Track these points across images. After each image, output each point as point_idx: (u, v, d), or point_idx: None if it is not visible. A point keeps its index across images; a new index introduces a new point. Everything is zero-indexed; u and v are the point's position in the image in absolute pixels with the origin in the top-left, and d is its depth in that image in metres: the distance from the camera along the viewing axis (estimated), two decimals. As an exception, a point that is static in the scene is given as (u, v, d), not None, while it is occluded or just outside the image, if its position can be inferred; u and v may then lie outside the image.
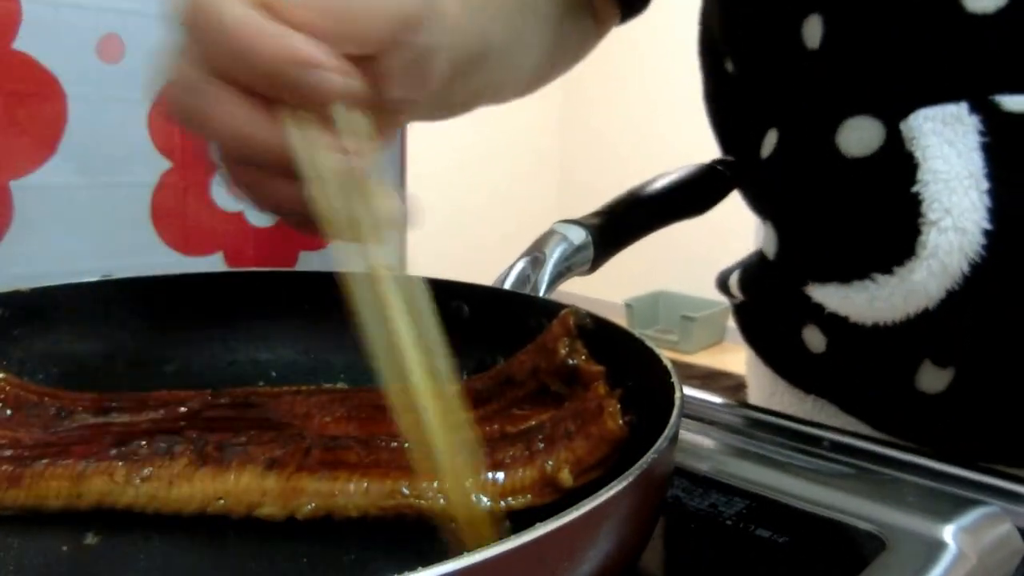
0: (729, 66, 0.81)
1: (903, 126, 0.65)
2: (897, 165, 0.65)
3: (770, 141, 0.77)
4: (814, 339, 0.78)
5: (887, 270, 0.67)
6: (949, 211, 0.63)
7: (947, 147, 0.63)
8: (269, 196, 0.50)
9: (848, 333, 0.73)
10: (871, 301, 0.69)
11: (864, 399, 0.79)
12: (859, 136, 0.68)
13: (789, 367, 0.86)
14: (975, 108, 0.63)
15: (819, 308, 0.74)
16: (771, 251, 0.77)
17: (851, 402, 0.80)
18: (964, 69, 0.64)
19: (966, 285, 0.64)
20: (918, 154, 0.64)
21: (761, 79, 0.79)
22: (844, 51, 0.70)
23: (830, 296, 0.72)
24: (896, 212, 0.66)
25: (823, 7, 0.70)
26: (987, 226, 0.62)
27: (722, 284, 0.90)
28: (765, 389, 0.91)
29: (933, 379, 0.71)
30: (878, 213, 0.68)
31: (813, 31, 0.71)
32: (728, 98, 0.85)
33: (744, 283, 0.85)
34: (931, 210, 0.63)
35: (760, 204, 0.81)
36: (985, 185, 0.62)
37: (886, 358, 0.73)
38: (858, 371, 0.76)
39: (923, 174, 0.64)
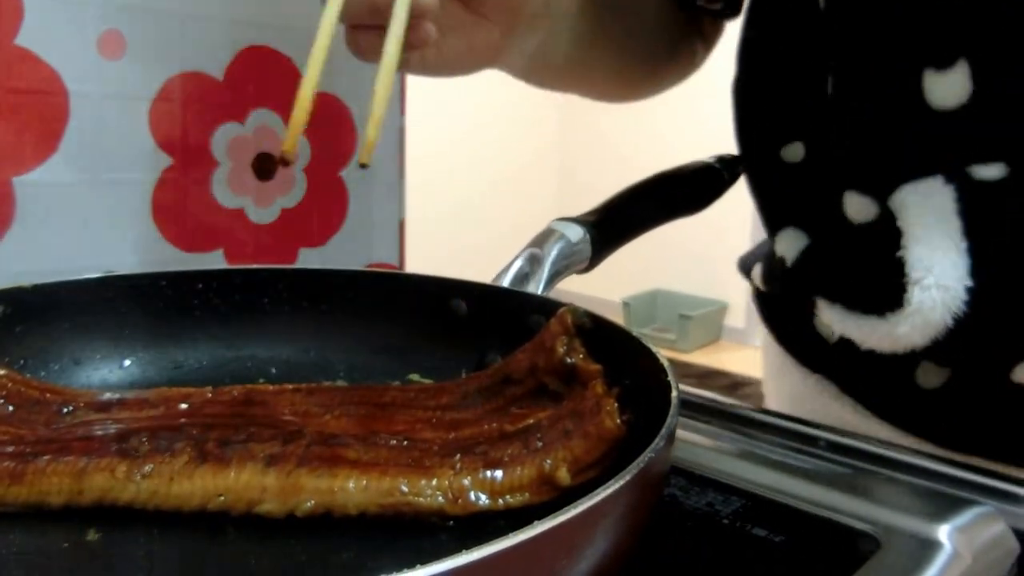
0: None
1: (890, 202, 0.70)
2: (888, 233, 0.70)
3: (796, 152, 0.81)
4: (828, 328, 0.81)
5: (879, 314, 0.72)
6: (930, 269, 0.68)
7: (928, 215, 0.68)
8: None
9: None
10: (864, 336, 0.74)
11: (865, 387, 0.82)
12: (858, 208, 0.73)
13: (798, 347, 0.89)
14: (949, 179, 0.68)
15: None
16: (790, 258, 0.80)
17: (852, 388, 0.84)
18: (936, 152, 0.69)
19: (950, 335, 0.68)
20: (902, 224, 0.69)
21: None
22: (836, 135, 0.76)
23: (833, 317, 0.76)
24: (885, 273, 0.70)
25: (803, 136, 0.77)
26: (968, 283, 0.67)
27: (745, 270, 0.92)
28: (775, 364, 0.95)
29: (931, 376, 0.76)
30: (871, 272, 0.73)
31: (796, 151, 0.79)
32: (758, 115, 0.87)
33: (766, 279, 0.88)
34: (914, 269, 0.68)
35: (784, 207, 0.84)
36: (964, 244, 0.67)
37: (888, 355, 0.76)
38: (863, 362, 0.78)
39: (907, 239, 0.69)
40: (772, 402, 0.98)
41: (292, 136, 0.60)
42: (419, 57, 0.67)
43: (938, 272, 0.67)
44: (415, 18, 0.62)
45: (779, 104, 0.82)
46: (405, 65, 0.65)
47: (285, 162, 0.60)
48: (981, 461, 0.68)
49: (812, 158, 0.78)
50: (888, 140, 0.72)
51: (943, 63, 0.66)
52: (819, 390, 0.86)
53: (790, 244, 0.80)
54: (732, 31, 0.87)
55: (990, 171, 0.67)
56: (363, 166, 0.62)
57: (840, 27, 0.73)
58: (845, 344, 0.78)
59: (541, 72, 0.87)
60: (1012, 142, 0.66)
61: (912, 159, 0.70)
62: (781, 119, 0.81)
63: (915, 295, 0.68)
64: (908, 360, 0.75)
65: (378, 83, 0.64)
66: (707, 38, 0.99)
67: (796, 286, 0.81)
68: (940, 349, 0.70)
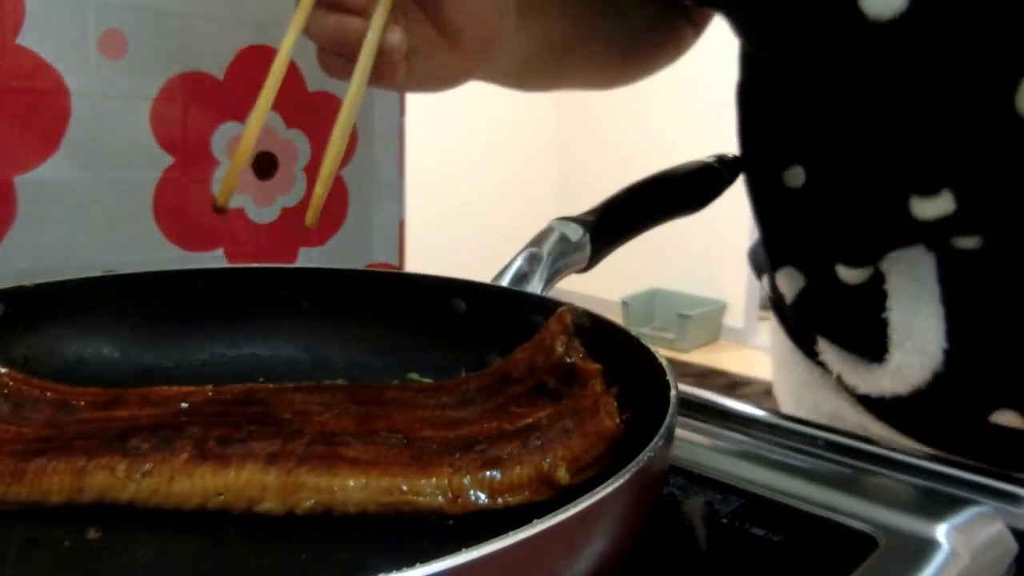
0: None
1: (880, 265, 0.74)
2: (874, 294, 0.74)
3: (797, 178, 0.81)
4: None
5: (866, 361, 0.78)
6: (909, 335, 0.73)
7: (911, 280, 0.72)
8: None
9: None
10: (853, 375, 0.79)
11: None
12: (849, 274, 0.76)
13: (808, 348, 0.90)
14: (931, 247, 0.72)
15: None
16: (789, 296, 0.84)
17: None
18: (920, 231, 0.72)
19: (930, 387, 0.73)
20: (887, 287, 0.73)
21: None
22: (823, 205, 0.79)
23: (832, 357, 0.81)
24: (872, 330, 0.75)
25: (804, 160, 0.79)
26: (945, 345, 0.72)
27: (755, 264, 0.93)
28: (783, 354, 0.97)
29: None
30: (860, 327, 0.78)
31: (797, 176, 0.80)
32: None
33: (770, 299, 0.91)
34: (895, 332, 0.74)
35: (784, 243, 0.86)
36: (942, 311, 0.71)
37: None
38: None
39: (890, 302, 0.73)
40: (780, 390, 1.01)
41: (227, 187, 0.59)
42: (388, 81, 0.66)
43: (916, 338, 0.72)
44: (383, 54, 0.62)
45: (782, 120, 0.82)
46: (373, 83, 0.64)
47: (220, 211, 0.59)
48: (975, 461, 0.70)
49: (812, 184, 0.78)
50: (874, 224, 0.75)
51: (927, 192, 0.69)
52: (822, 383, 0.88)
53: (789, 283, 0.83)
54: (724, 36, 0.87)
55: (968, 242, 0.69)
56: (309, 228, 0.61)
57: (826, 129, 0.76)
58: None
59: (520, 79, 0.88)
60: (989, 222, 0.69)
61: (895, 236, 0.73)
62: (784, 137, 0.81)
63: (895, 357, 0.74)
64: None
65: (332, 142, 0.63)
66: (696, 22, 0.99)
67: (798, 322, 0.85)
68: (922, 395, 0.74)
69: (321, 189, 0.60)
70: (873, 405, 0.81)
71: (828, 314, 0.81)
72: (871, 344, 0.76)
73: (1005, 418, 0.73)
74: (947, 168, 0.68)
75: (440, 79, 0.70)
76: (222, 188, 0.58)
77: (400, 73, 0.64)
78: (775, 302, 0.93)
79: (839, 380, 0.82)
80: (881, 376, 0.75)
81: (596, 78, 1.00)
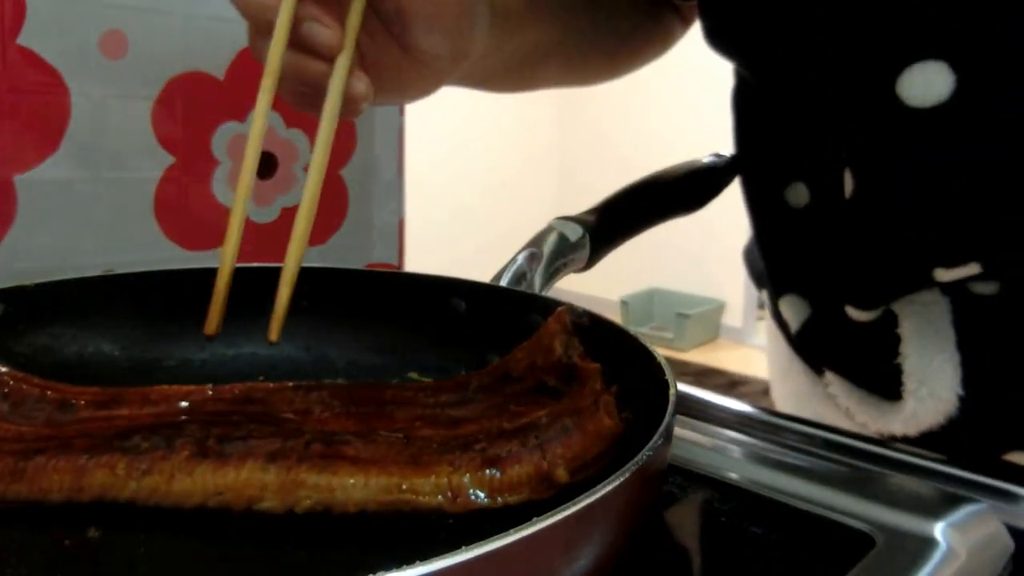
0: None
1: (894, 307, 0.73)
2: (887, 336, 0.73)
3: (800, 195, 0.80)
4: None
5: (878, 401, 0.77)
6: (924, 382, 0.72)
7: (926, 325, 0.71)
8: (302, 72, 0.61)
9: None
10: (864, 411, 0.78)
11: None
12: (858, 314, 0.75)
13: (808, 352, 0.89)
14: (945, 291, 0.70)
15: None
16: (794, 325, 0.83)
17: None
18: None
19: (942, 431, 0.73)
20: (901, 331, 0.72)
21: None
22: (829, 232, 0.77)
23: (841, 390, 0.80)
24: (885, 371, 0.74)
25: (806, 177, 0.78)
26: (960, 392, 0.71)
27: (750, 264, 0.93)
28: (782, 365, 0.95)
29: None
30: (871, 367, 0.77)
31: (800, 195, 0.79)
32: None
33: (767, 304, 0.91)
34: (909, 379, 0.73)
35: (787, 269, 0.85)
36: (957, 357, 0.71)
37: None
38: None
39: (905, 347, 0.72)
40: (778, 399, 0.99)
41: (216, 315, 0.60)
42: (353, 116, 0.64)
43: (931, 384, 0.72)
44: (349, 101, 0.61)
45: (781, 134, 0.81)
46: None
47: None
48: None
49: (817, 206, 0.77)
50: (888, 275, 0.73)
51: (953, 263, 0.67)
52: (826, 394, 0.86)
53: (794, 312, 0.82)
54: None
55: (985, 287, 0.69)
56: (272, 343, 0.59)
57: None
58: None
59: (492, 84, 0.85)
60: (1007, 268, 0.68)
61: (911, 286, 0.72)
62: (784, 151, 0.81)
63: (909, 404, 0.73)
64: None
65: (307, 190, 0.62)
66: (684, 15, 0.98)
67: (803, 351, 0.84)
68: (935, 437, 0.73)
69: (286, 292, 0.60)
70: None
71: (837, 349, 0.80)
72: (883, 385, 0.75)
73: (1019, 459, 0.72)
74: (977, 241, 0.67)
75: (407, 93, 0.69)
76: (212, 317, 0.59)
77: (362, 110, 0.63)
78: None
79: (847, 413, 0.81)
80: (892, 420, 0.75)
81: (575, 77, 0.99)
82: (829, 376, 0.81)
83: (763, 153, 0.83)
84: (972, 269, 0.66)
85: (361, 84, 0.60)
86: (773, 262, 0.85)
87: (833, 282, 0.77)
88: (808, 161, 0.77)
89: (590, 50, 0.93)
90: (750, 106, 0.83)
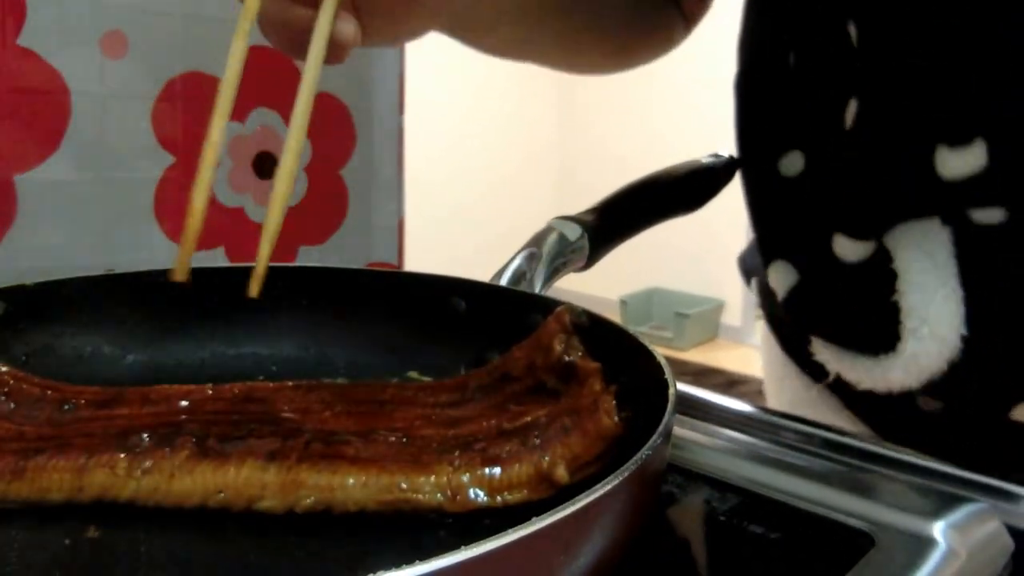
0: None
1: (886, 239, 0.69)
2: (882, 275, 0.69)
3: (794, 164, 0.78)
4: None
5: (872, 355, 0.72)
6: (926, 320, 0.67)
7: (924, 258, 0.68)
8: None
9: None
10: (856, 373, 0.74)
11: (867, 407, 0.82)
12: (850, 249, 0.71)
13: (803, 359, 0.87)
14: (947, 221, 0.67)
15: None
16: (781, 292, 0.79)
17: (854, 405, 0.83)
18: (937, 198, 0.67)
19: (944, 378, 0.68)
20: (897, 266, 0.69)
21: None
22: (825, 184, 0.74)
23: (828, 356, 0.76)
24: (880, 316, 0.70)
25: (803, 145, 0.76)
26: (963, 332, 0.67)
27: (745, 271, 0.92)
28: (776, 371, 0.94)
29: (930, 403, 0.75)
30: (864, 315, 0.73)
31: (794, 164, 0.76)
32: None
33: (762, 301, 0.89)
34: (909, 318, 0.68)
35: (777, 236, 0.82)
36: (960, 293, 0.67)
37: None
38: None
39: (902, 284, 0.68)
40: (772, 405, 0.97)
41: (184, 257, 0.57)
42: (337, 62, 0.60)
43: (933, 322, 0.67)
44: (335, 46, 0.57)
45: (781, 105, 0.80)
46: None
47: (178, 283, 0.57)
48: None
49: (810, 173, 0.76)
50: (888, 185, 0.70)
51: (959, 141, 0.65)
52: (820, 400, 0.85)
53: (781, 279, 0.79)
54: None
55: (989, 215, 0.65)
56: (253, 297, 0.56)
57: (865, 72, 0.71)
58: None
59: (483, 40, 0.81)
60: (1014, 187, 0.65)
61: (911, 201, 0.69)
62: (782, 123, 0.79)
63: (910, 345, 0.69)
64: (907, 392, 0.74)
65: (276, 187, 0.58)
66: (688, 16, 0.96)
67: (790, 320, 0.81)
68: (936, 388, 0.70)
69: (267, 250, 0.57)
70: (876, 421, 0.80)
71: (823, 308, 0.76)
72: (875, 335, 0.71)
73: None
74: (983, 115, 0.64)
75: (398, 33, 0.65)
76: (180, 260, 0.57)
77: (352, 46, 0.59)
78: (768, 310, 0.93)
79: (837, 384, 0.79)
80: (891, 367, 0.70)
81: (564, 56, 0.97)
82: (816, 345, 0.77)
83: (762, 130, 0.82)
84: (978, 156, 0.63)
85: (349, 27, 0.57)
86: (764, 231, 0.83)
87: (825, 226, 0.73)
88: (811, 129, 0.76)
89: (584, 31, 0.90)
90: (754, 83, 0.82)
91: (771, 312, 0.93)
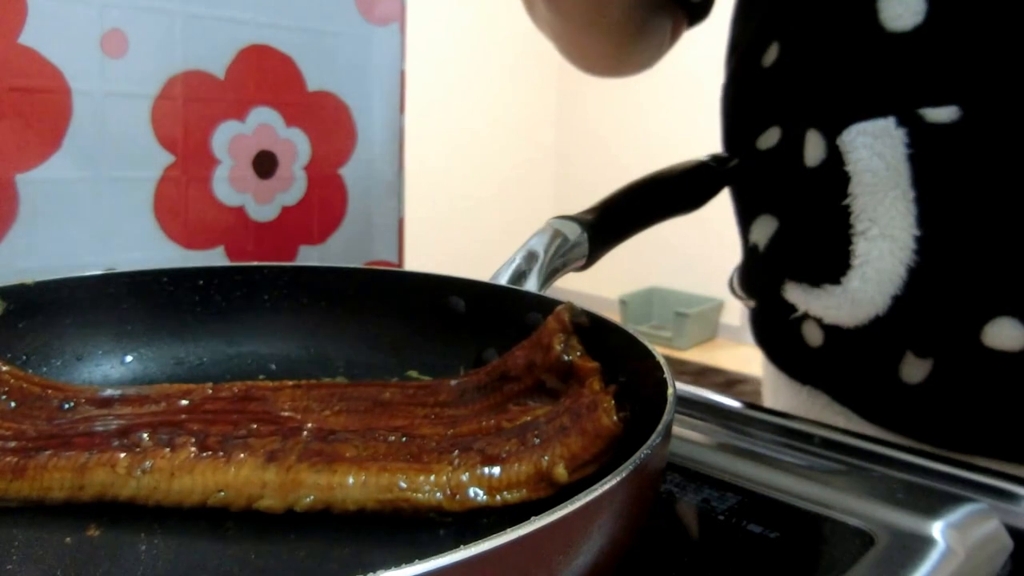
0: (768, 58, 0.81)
1: (839, 141, 0.69)
2: (834, 178, 0.69)
3: (771, 138, 0.80)
4: (812, 333, 0.82)
5: (834, 280, 0.71)
6: (875, 220, 0.67)
7: (876, 159, 0.67)
8: None
9: (841, 328, 0.74)
10: (826, 308, 0.73)
11: (853, 390, 0.82)
12: (813, 147, 0.72)
13: (788, 360, 0.89)
14: (902, 121, 0.66)
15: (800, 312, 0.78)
16: (762, 243, 0.80)
17: (841, 392, 0.83)
18: (889, 84, 0.68)
19: (908, 290, 0.67)
20: (849, 168, 0.68)
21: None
22: (792, 69, 0.75)
23: (799, 297, 0.76)
24: (832, 224, 0.70)
25: (781, 35, 0.76)
26: (916, 232, 0.66)
27: (731, 287, 0.92)
28: (770, 383, 0.95)
29: (914, 370, 0.74)
30: (821, 225, 0.73)
31: (771, 55, 0.77)
32: (744, 96, 0.86)
33: (743, 282, 0.88)
34: (859, 220, 0.68)
35: (758, 194, 0.83)
36: (912, 193, 0.66)
37: (873, 350, 0.76)
38: (849, 363, 0.79)
39: (853, 187, 0.68)
40: None
41: None
42: None
43: (883, 223, 0.67)
44: None
45: (759, 97, 0.82)
46: None
47: None
48: (972, 458, 0.69)
49: (785, 139, 0.77)
50: (839, 67, 0.71)
51: None
52: (811, 401, 0.86)
53: (763, 230, 0.80)
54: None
55: (943, 114, 0.65)
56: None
57: None
58: (829, 348, 0.79)
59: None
60: (966, 80, 0.65)
61: (864, 91, 0.69)
62: (760, 111, 0.81)
63: (860, 246, 0.68)
64: (890, 354, 0.75)
65: None
66: (673, 33, 0.99)
67: (768, 271, 0.80)
68: (902, 310, 0.69)
69: None
70: (862, 404, 0.80)
71: (797, 242, 0.76)
72: (836, 249, 0.71)
73: (1003, 334, 0.66)
74: None
75: None
76: None
77: None
78: (757, 323, 0.93)
79: (827, 349, 0.80)
80: (850, 280, 0.70)
81: (563, 36, 0.98)
82: (789, 289, 0.77)
83: (742, 117, 0.84)
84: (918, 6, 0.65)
85: None
86: (745, 196, 0.85)
87: (801, 113, 0.74)
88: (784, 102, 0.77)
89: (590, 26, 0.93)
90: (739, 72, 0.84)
91: (756, 324, 0.94)
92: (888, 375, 0.76)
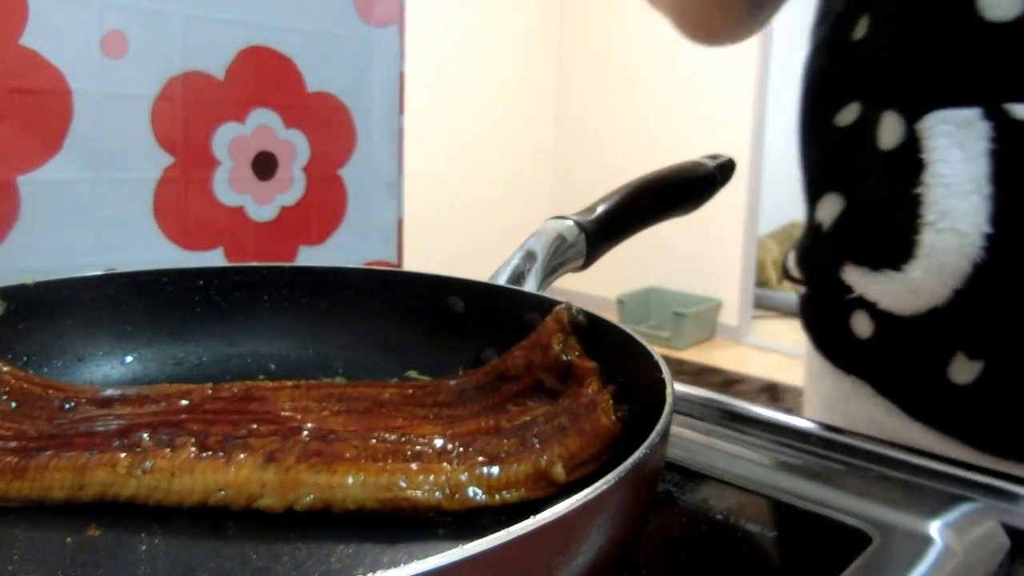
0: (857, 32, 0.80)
1: (917, 126, 0.67)
2: (908, 164, 0.67)
3: (849, 115, 0.78)
4: (862, 324, 0.80)
5: (896, 267, 0.70)
6: (946, 214, 0.65)
7: (955, 150, 0.65)
8: None
9: (892, 320, 0.74)
10: (883, 293, 0.72)
11: (899, 384, 0.80)
12: (889, 130, 0.70)
13: (835, 349, 0.87)
14: (987, 115, 0.64)
15: (854, 296, 0.76)
16: (828, 222, 0.79)
17: (886, 386, 0.81)
18: (979, 75, 0.66)
19: (971, 285, 0.65)
20: (925, 156, 0.66)
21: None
22: (880, 46, 0.73)
23: (857, 279, 0.74)
24: (901, 210, 0.68)
25: (873, 9, 0.74)
26: (987, 229, 0.64)
27: (784, 269, 0.91)
28: (813, 368, 0.93)
29: (963, 371, 0.72)
30: (888, 210, 0.71)
31: (861, 28, 0.75)
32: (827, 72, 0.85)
33: (799, 260, 0.87)
34: (929, 211, 0.66)
35: (829, 171, 0.82)
36: (988, 190, 0.64)
37: (923, 346, 0.74)
38: (897, 357, 0.78)
39: (927, 176, 0.66)
40: (809, 405, 0.96)
41: None
42: None
43: (954, 216, 0.65)
44: None
45: (843, 71, 0.79)
46: None
47: None
48: (1016, 466, 0.68)
49: (863, 117, 0.75)
50: (929, 51, 0.68)
51: None
52: (854, 391, 0.84)
53: (829, 209, 0.78)
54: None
55: None
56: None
57: None
58: (878, 340, 0.77)
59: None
60: None
61: (952, 78, 0.67)
62: (842, 85, 0.79)
63: (927, 237, 0.66)
64: (940, 353, 0.73)
65: None
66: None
67: (829, 251, 0.79)
68: (962, 305, 0.67)
69: None
70: (907, 400, 0.79)
71: (861, 224, 0.75)
72: (901, 235, 0.69)
73: None
74: None
75: None
76: None
77: None
78: (806, 308, 0.92)
79: (876, 342, 0.78)
80: (913, 269, 0.68)
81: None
82: (849, 271, 0.75)
83: (823, 92, 0.82)
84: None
85: None
86: (816, 171, 0.83)
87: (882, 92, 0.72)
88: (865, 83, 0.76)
89: None
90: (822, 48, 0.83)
91: (805, 310, 0.92)
92: (936, 373, 0.74)
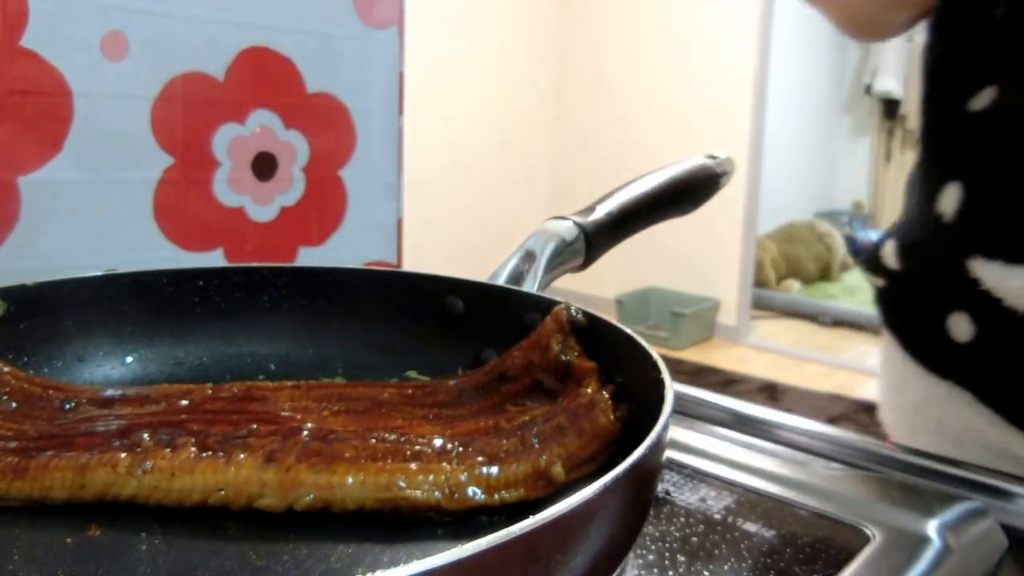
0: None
1: None
2: None
3: (985, 97, 0.77)
4: (960, 327, 0.77)
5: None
6: None
7: None
8: None
9: (999, 322, 0.72)
10: (1021, 288, 0.70)
11: (1005, 392, 0.78)
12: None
13: (928, 352, 0.85)
14: None
15: (972, 292, 0.75)
16: (950, 212, 0.77)
17: (990, 394, 0.79)
18: None
19: None
20: None
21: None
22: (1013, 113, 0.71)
23: (990, 273, 0.73)
24: None
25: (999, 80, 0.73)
26: None
27: (872, 260, 0.89)
28: (896, 374, 0.90)
29: None
30: None
31: (984, 98, 0.74)
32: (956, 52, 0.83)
33: (905, 250, 0.85)
34: None
35: (955, 160, 0.80)
36: None
37: None
38: (1003, 363, 0.76)
39: None
40: (890, 411, 0.92)
41: None
42: None
43: None
44: None
45: (982, 49, 0.78)
46: None
47: None
48: None
49: (1002, 104, 0.74)
50: None
51: None
52: (950, 398, 0.81)
53: (952, 199, 0.77)
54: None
55: None
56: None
57: None
58: (981, 344, 0.75)
59: None
60: None
61: None
62: (978, 68, 0.78)
63: None
64: None
65: None
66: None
67: (954, 243, 0.77)
68: None
69: None
70: (1012, 409, 0.76)
71: (993, 218, 0.73)
72: None
73: None
74: None
75: None
76: None
77: None
78: (889, 308, 0.89)
79: (976, 347, 0.76)
80: None
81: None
82: (977, 265, 0.74)
83: (957, 66, 0.80)
84: None
85: None
86: (940, 159, 0.82)
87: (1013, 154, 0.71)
88: (1005, 67, 0.74)
89: None
90: (954, 28, 0.81)
91: (892, 312, 0.90)
92: None
